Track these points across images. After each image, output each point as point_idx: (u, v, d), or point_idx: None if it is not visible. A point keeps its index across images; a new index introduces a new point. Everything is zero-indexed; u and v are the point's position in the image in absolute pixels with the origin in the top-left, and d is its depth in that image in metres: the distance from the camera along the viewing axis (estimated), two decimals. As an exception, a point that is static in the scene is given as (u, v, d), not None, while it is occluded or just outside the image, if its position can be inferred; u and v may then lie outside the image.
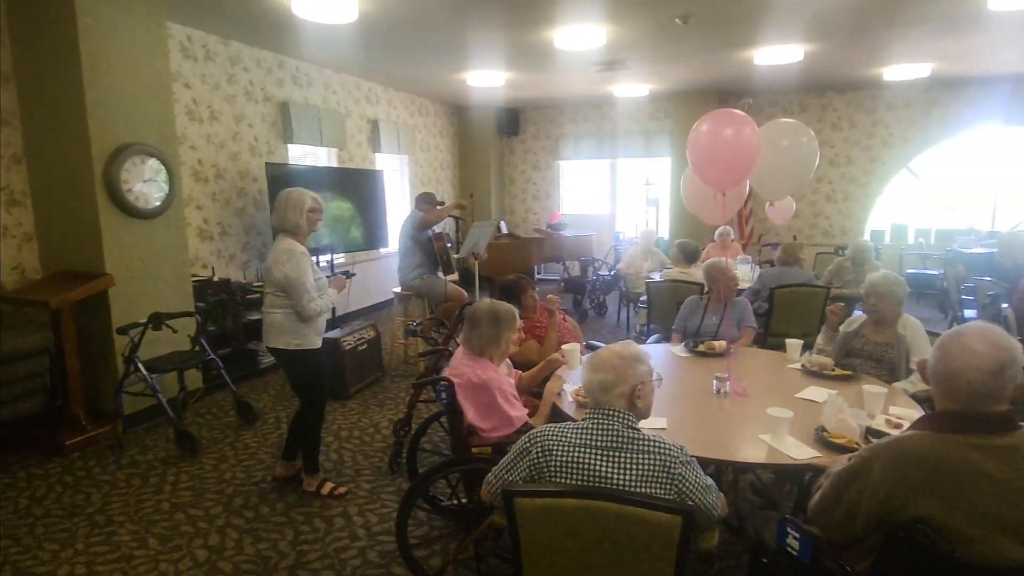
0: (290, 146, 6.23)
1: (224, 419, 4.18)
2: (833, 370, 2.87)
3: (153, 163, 4.08)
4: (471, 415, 2.36)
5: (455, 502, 2.72)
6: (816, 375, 2.84)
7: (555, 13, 4.69)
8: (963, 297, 5.47)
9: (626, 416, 1.64)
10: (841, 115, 8.54)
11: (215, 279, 4.98)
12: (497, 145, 10.03)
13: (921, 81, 7.53)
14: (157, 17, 4.14)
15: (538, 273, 9.77)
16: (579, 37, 5.20)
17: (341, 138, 6.86)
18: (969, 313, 5.21)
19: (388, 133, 7.77)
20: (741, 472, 3.02)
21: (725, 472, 2.87)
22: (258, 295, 4.85)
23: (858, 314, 3.31)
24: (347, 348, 4.57)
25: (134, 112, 3.98)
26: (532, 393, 2.80)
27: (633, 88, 7.95)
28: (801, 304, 4.47)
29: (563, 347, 2.93)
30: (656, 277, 5.35)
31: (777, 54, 5.99)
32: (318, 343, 3.04)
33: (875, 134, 8.43)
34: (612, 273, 7.34)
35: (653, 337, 4.15)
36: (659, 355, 3.25)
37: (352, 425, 4.07)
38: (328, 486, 3.13)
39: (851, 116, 8.49)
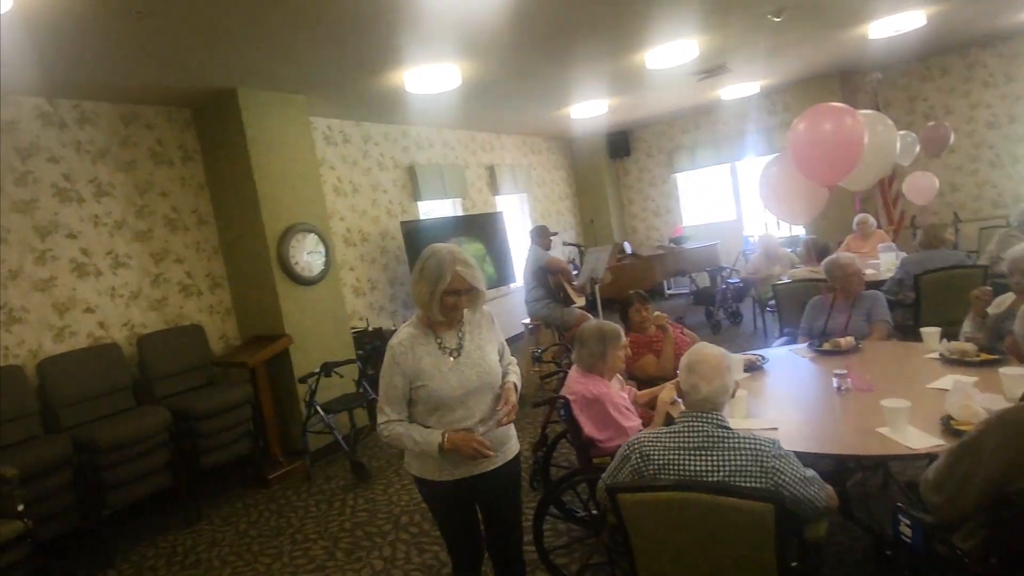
0: (419, 203, 6.94)
1: (388, 451, 4.75)
2: (978, 356, 2.68)
3: (312, 237, 4.86)
4: (588, 428, 2.58)
5: (587, 512, 2.93)
6: (956, 363, 2.67)
7: (642, 37, 4.86)
8: None
9: (716, 417, 1.78)
10: (992, 70, 7.60)
11: (370, 329, 5.69)
12: (611, 169, 10.22)
13: (1089, 15, 6.53)
14: (304, 116, 4.98)
15: (668, 288, 9.68)
16: (670, 55, 5.29)
17: (463, 188, 7.50)
18: None
19: (505, 176, 8.31)
20: (885, 473, 2.90)
21: (866, 473, 2.78)
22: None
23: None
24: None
25: (294, 198, 4.80)
26: (649, 407, 2.94)
27: (741, 88, 7.76)
28: (953, 289, 4.08)
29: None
30: (785, 279, 5.18)
31: (893, 24, 5.59)
32: (435, 476, 1.98)
33: (1040, 83, 7.39)
34: (741, 281, 7.13)
35: (780, 340, 4.06)
36: (780, 356, 3.22)
37: (496, 449, 4.43)
38: None
39: (1005, 69, 7.53)
